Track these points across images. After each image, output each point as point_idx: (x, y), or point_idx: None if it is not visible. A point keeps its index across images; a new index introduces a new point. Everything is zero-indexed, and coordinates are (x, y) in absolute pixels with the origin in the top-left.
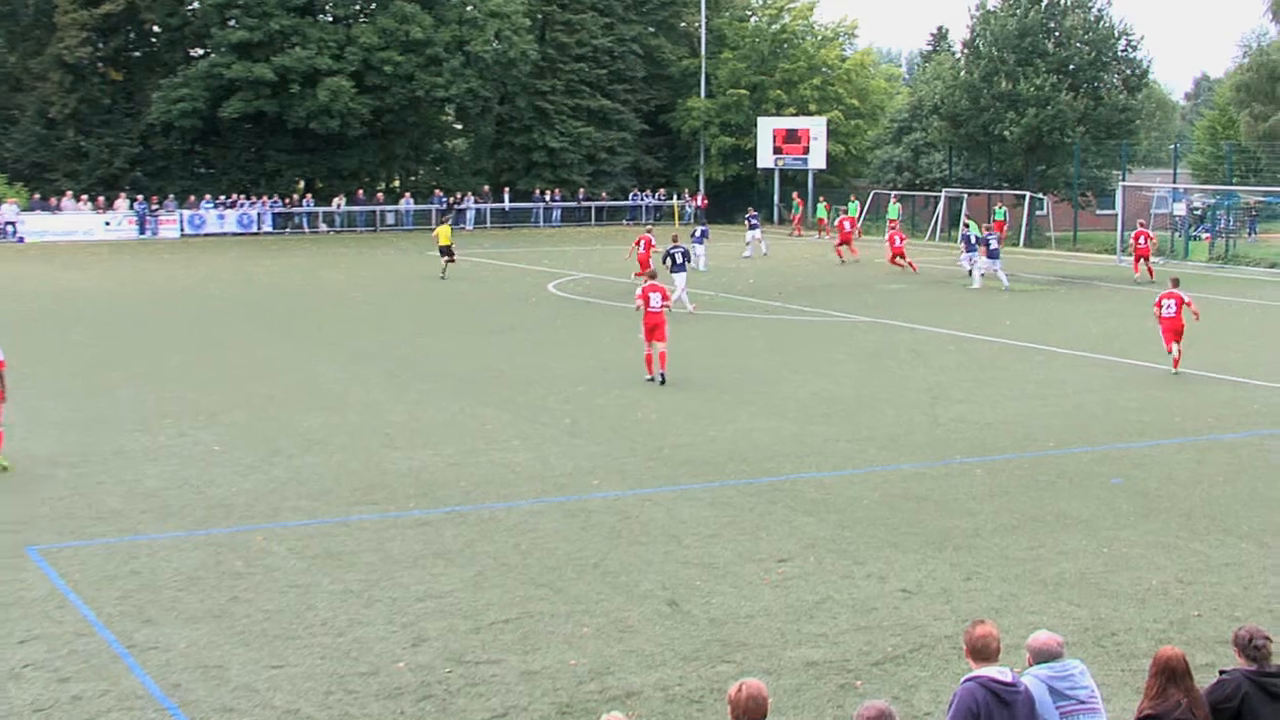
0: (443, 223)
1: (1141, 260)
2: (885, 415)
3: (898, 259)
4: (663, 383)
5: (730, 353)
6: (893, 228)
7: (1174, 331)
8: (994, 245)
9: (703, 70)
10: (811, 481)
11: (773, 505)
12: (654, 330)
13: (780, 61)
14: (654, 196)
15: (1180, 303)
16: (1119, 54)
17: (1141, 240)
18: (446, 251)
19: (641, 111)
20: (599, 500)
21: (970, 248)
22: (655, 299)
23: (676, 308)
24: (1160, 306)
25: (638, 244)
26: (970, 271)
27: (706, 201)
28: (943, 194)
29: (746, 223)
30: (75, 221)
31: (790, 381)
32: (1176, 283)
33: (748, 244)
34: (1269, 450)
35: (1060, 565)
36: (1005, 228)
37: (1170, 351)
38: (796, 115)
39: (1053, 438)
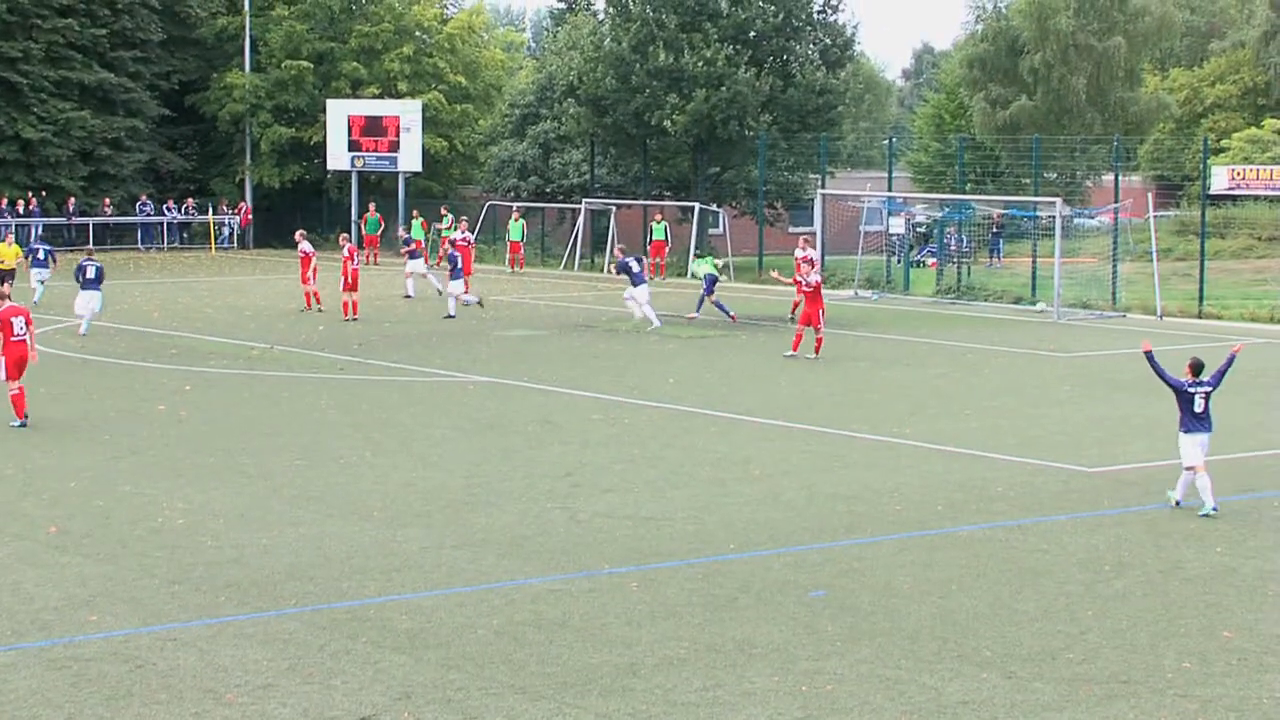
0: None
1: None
2: (506, 511)
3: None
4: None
5: (291, 427)
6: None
7: (810, 317)
8: (637, 269)
9: (247, 32)
10: (404, 606)
11: (351, 641)
12: (19, 365)
13: (356, 23)
14: (180, 210)
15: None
16: (814, 17)
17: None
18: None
19: (160, 90)
20: (99, 643)
21: (709, 288)
22: (19, 324)
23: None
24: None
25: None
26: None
27: (250, 216)
28: (583, 205)
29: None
30: None
31: (375, 467)
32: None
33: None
34: (1015, 546)
35: (746, 710)
36: (665, 250)
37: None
38: (381, 97)
39: (734, 538)
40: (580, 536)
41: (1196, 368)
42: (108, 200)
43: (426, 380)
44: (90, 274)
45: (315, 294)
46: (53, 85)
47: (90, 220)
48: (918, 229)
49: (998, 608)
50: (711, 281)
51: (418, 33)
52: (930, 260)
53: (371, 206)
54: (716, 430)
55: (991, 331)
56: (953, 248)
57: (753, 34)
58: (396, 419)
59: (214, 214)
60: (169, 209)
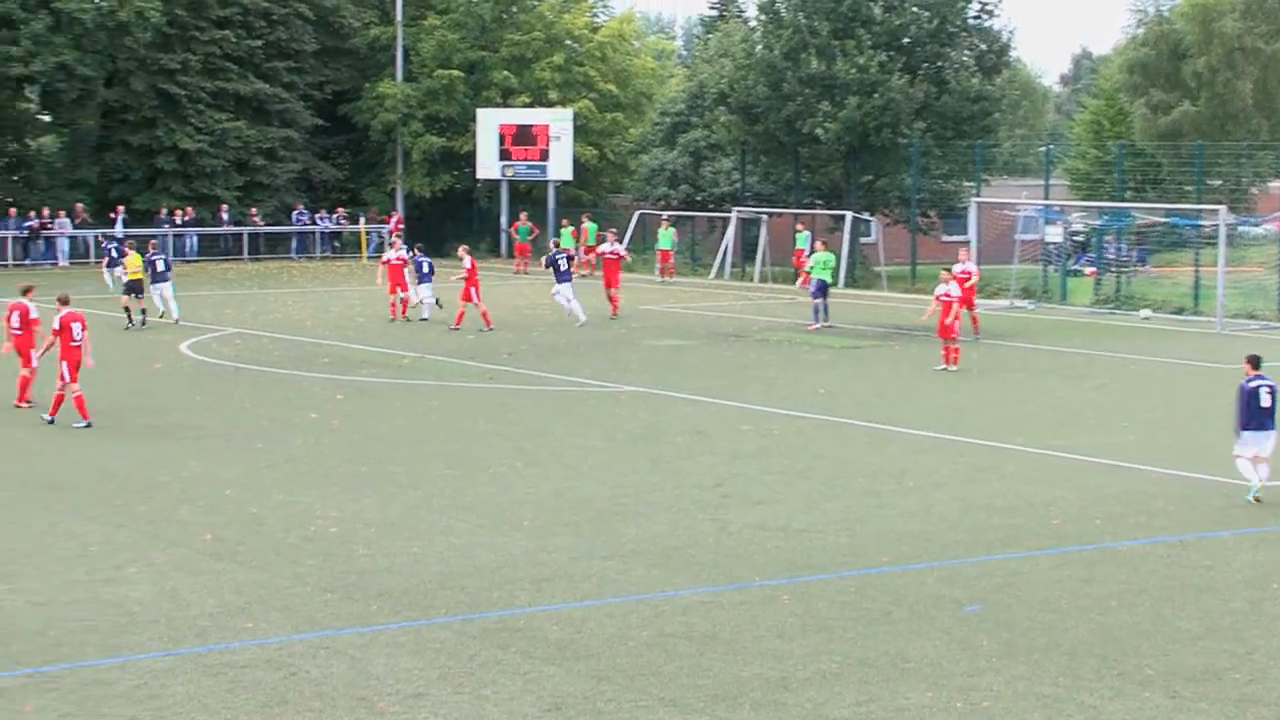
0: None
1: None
2: (657, 522)
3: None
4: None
5: (441, 436)
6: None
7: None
8: (564, 266)
9: (399, 42)
10: (555, 616)
11: (501, 651)
12: (76, 366)
13: (508, 32)
14: (332, 218)
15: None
16: (970, 23)
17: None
18: (134, 288)
19: (314, 100)
20: (253, 650)
21: (820, 292)
22: (76, 329)
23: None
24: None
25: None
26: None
27: (401, 224)
28: (733, 214)
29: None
30: None
31: (525, 477)
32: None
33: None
34: (1177, 562)
35: None
36: (806, 256)
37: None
38: (531, 106)
39: (887, 551)
40: (731, 548)
41: (1255, 362)
42: (254, 210)
43: (576, 390)
44: (160, 266)
45: (403, 304)
46: (209, 96)
47: (244, 229)
48: (1075, 238)
49: (1160, 625)
50: (822, 287)
51: (568, 41)
52: (1089, 269)
53: (523, 215)
54: (868, 441)
55: (1150, 342)
56: (1111, 256)
57: (906, 40)
58: (546, 429)
59: (365, 223)
60: (321, 218)
